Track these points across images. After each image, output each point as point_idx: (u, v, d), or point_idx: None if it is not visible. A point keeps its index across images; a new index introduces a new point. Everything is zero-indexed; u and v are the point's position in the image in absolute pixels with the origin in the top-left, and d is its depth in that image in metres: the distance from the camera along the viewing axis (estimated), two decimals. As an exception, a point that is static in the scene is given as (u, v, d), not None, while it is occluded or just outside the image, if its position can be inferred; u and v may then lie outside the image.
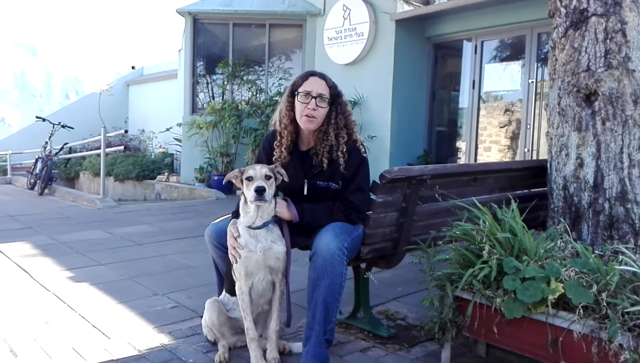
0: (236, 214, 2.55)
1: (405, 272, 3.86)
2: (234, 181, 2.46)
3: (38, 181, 9.64)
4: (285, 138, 2.61)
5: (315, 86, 2.55)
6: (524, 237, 2.31)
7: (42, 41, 14.54)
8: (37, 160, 10.07)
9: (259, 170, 2.39)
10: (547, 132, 3.12)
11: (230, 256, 2.47)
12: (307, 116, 2.54)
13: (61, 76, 14.90)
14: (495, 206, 2.52)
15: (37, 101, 14.49)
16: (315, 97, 2.53)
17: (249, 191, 2.34)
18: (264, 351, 2.50)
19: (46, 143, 10.24)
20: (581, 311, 1.98)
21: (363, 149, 2.61)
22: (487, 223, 2.38)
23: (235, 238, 2.44)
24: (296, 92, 2.57)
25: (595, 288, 2.00)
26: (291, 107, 2.61)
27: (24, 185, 10.61)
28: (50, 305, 3.36)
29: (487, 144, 7.71)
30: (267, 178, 2.38)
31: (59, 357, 2.59)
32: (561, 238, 2.47)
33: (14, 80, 14.33)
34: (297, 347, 2.61)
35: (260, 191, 2.31)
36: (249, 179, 2.36)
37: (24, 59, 14.38)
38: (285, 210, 2.51)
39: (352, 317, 3.02)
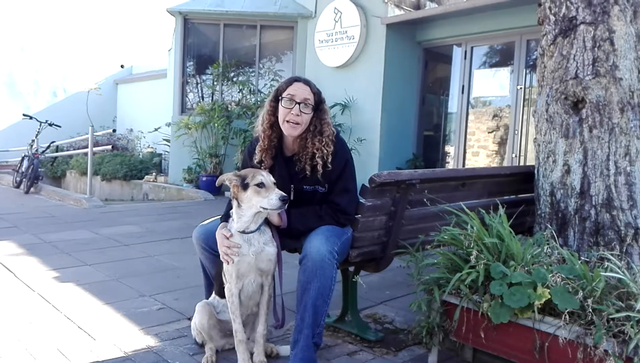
0: (226, 218, 2.53)
1: (393, 276, 3.87)
2: (229, 184, 2.43)
3: (24, 180, 9.54)
4: (264, 142, 2.60)
5: (299, 91, 2.53)
6: (511, 242, 2.33)
7: (30, 38, 14.39)
8: (23, 158, 9.95)
9: (267, 177, 2.38)
10: (535, 138, 3.15)
11: (223, 258, 2.43)
12: (289, 121, 2.52)
13: (49, 74, 14.75)
14: (483, 211, 2.54)
15: (24, 99, 14.32)
16: (299, 103, 2.51)
17: (263, 199, 2.32)
18: (252, 354, 2.49)
19: (33, 141, 10.13)
20: (567, 317, 2.00)
21: (340, 155, 2.58)
22: (474, 228, 2.40)
23: (228, 238, 2.41)
24: (280, 97, 2.56)
25: (581, 294, 2.03)
26: (272, 111, 2.59)
27: (10, 183, 10.48)
28: (35, 306, 3.33)
29: (476, 149, 7.76)
30: (275, 184, 2.38)
31: (44, 358, 2.56)
32: (548, 244, 2.49)
33: (1, 77, 14.16)
34: (284, 350, 2.61)
35: (285, 200, 2.31)
36: (260, 186, 2.34)
37: (11, 56, 14.22)
38: (275, 215, 2.49)
39: (340, 320, 3.02)
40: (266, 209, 2.34)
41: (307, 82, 2.60)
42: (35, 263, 4.35)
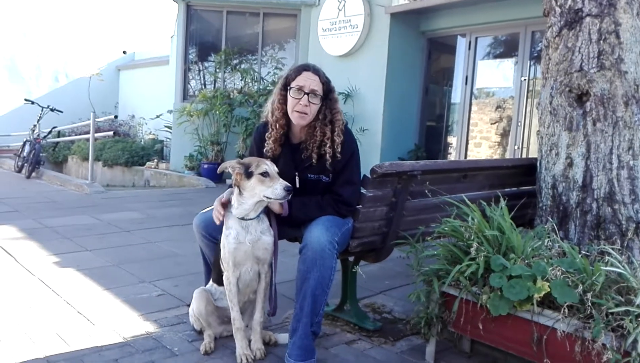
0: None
1: (392, 266, 3.87)
2: (231, 171, 2.42)
3: (25, 164, 9.54)
4: (277, 131, 2.59)
5: (308, 81, 2.51)
6: (511, 235, 2.33)
7: (32, 23, 14.32)
8: (24, 143, 9.94)
9: (271, 166, 2.38)
10: (538, 131, 3.13)
11: (215, 216, 2.49)
12: (298, 111, 2.51)
13: (51, 59, 14.69)
14: (485, 203, 2.53)
15: (26, 84, 14.28)
16: (307, 93, 2.50)
17: (267, 188, 2.31)
18: (250, 341, 2.50)
19: (34, 126, 10.11)
20: (566, 310, 2.00)
21: (347, 146, 2.57)
22: (475, 220, 2.39)
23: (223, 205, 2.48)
24: (289, 87, 2.54)
25: (580, 288, 2.02)
26: (284, 100, 2.57)
27: (11, 168, 10.49)
28: (35, 290, 3.34)
29: (478, 140, 7.73)
30: (278, 174, 2.38)
31: (43, 342, 2.57)
32: (548, 237, 2.49)
33: (3, 62, 14.10)
34: (282, 337, 2.62)
35: (290, 191, 2.30)
36: (264, 175, 2.33)
37: (13, 41, 14.16)
38: (277, 203, 2.49)
39: (339, 309, 3.03)
40: (270, 198, 2.33)
41: (316, 71, 2.57)
42: (35, 247, 4.36)
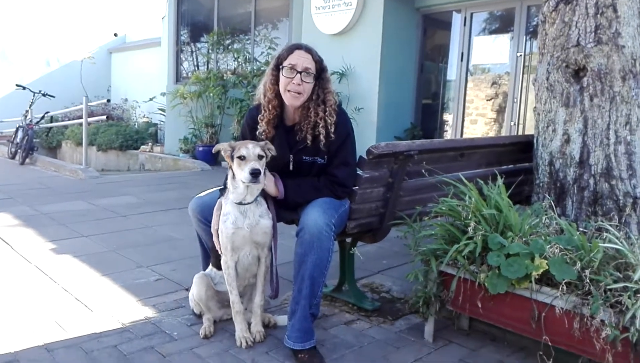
0: (224, 188, 2.51)
1: (390, 246, 3.87)
2: (223, 154, 2.39)
3: (19, 151, 9.47)
4: (269, 112, 2.55)
5: (300, 60, 2.47)
6: (509, 213, 2.32)
7: (22, 7, 14.09)
8: (17, 129, 9.86)
9: (252, 149, 2.32)
10: (535, 107, 3.11)
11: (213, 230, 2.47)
12: (291, 91, 2.47)
13: (42, 43, 14.49)
14: (482, 181, 2.52)
15: (16, 69, 14.10)
16: (300, 72, 2.46)
17: (241, 171, 2.28)
18: (250, 324, 2.51)
19: (27, 111, 10.01)
20: (564, 287, 2.01)
21: (342, 127, 2.54)
22: (472, 198, 2.38)
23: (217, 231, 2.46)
24: (281, 66, 2.50)
25: (578, 264, 2.03)
26: (275, 80, 2.54)
27: (5, 154, 10.42)
28: (32, 278, 3.33)
29: (474, 117, 7.69)
30: (260, 157, 2.32)
31: (41, 330, 2.57)
32: (546, 214, 2.48)
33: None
34: (282, 319, 2.62)
35: (255, 174, 2.25)
36: (241, 158, 2.29)
37: (3, 25, 13.94)
38: (272, 185, 2.48)
39: (337, 290, 3.04)
40: (243, 182, 2.30)
41: (308, 50, 2.53)
42: (31, 234, 4.34)
